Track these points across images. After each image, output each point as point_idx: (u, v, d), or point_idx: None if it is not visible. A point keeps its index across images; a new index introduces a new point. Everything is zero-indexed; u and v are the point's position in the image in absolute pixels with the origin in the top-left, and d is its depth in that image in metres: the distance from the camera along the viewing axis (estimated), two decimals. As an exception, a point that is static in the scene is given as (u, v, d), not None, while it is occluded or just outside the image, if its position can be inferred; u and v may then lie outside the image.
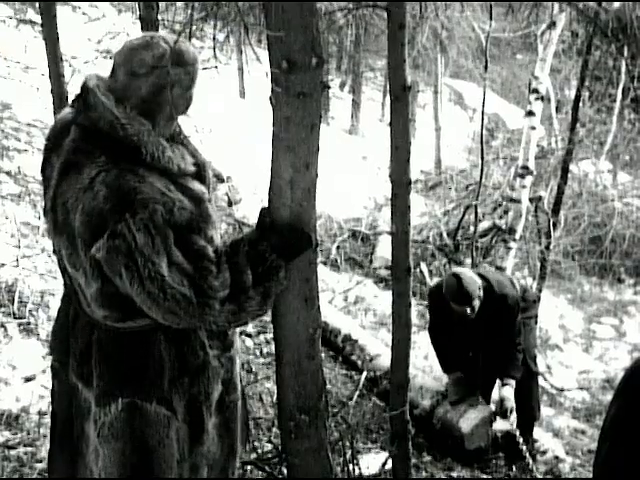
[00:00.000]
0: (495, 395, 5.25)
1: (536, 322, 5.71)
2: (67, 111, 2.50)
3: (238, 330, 2.78)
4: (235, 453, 2.77)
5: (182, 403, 2.49)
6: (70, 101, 2.48)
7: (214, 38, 2.44)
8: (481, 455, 4.96)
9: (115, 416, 2.42)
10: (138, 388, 2.43)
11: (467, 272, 4.83)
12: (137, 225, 2.19)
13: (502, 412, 4.96)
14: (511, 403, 4.97)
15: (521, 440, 4.84)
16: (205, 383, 2.54)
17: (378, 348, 5.95)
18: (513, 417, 4.99)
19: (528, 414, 5.28)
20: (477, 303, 4.76)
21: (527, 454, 4.75)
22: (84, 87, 2.40)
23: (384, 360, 5.52)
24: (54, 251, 2.53)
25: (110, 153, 2.28)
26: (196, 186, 2.45)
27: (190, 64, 2.41)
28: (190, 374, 2.50)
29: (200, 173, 2.53)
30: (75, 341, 2.51)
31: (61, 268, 2.51)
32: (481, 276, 4.96)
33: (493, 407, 5.10)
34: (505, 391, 5.00)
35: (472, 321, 4.88)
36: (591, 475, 4.39)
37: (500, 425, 5.03)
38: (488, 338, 5.02)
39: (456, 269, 5.02)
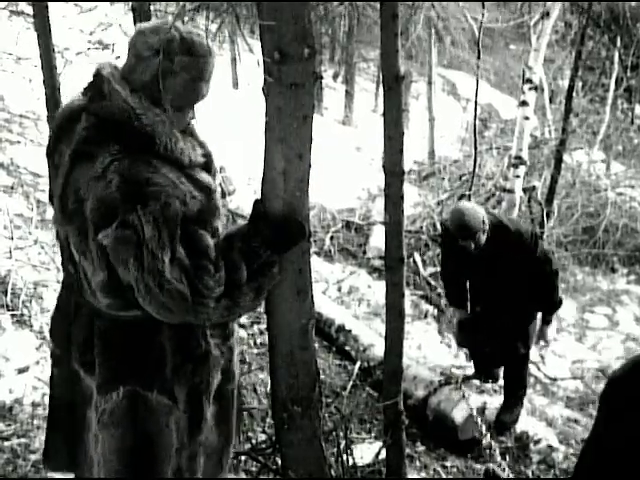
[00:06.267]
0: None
1: None
2: (76, 98, 2.48)
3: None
4: (230, 441, 2.79)
5: (183, 392, 2.51)
6: (82, 89, 2.45)
7: (206, 29, 2.41)
8: (474, 445, 4.97)
9: (116, 404, 2.44)
10: (139, 377, 2.45)
11: (471, 206, 4.83)
12: (147, 217, 2.18)
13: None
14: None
15: (493, 443, 4.85)
16: (206, 372, 2.55)
17: (371, 338, 5.95)
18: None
19: (517, 383, 5.40)
20: (482, 237, 4.77)
21: (499, 457, 4.76)
22: (98, 75, 2.39)
23: (377, 350, 5.53)
24: (57, 238, 2.53)
25: (123, 143, 2.27)
26: (204, 177, 2.46)
27: (201, 55, 2.38)
28: (192, 363, 2.51)
29: (207, 164, 2.52)
30: (77, 330, 2.52)
31: (65, 257, 2.51)
32: (493, 216, 5.00)
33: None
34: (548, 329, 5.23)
35: (486, 258, 4.91)
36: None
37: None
38: (508, 276, 5.02)
39: (461, 203, 4.98)
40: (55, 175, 2.41)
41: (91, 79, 2.42)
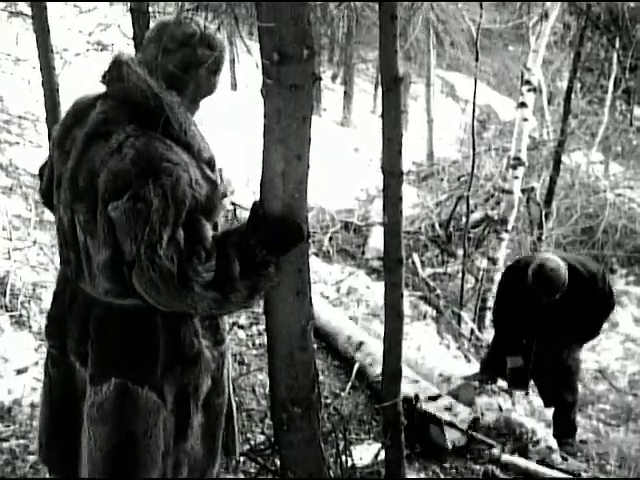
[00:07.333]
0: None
1: None
2: (89, 93, 2.54)
3: (227, 328, 2.77)
4: (214, 460, 2.75)
5: (172, 392, 2.49)
6: (101, 74, 2.50)
7: (205, 29, 2.43)
8: (466, 446, 4.91)
9: (106, 396, 2.41)
10: (131, 370, 2.43)
11: (556, 265, 4.84)
12: (157, 190, 2.20)
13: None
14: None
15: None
16: (196, 374, 2.53)
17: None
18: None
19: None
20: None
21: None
22: (117, 61, 2.44)
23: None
24: (59, 229, 2.52)
25: (140, 122, 2.32)
26: (209, 172, 2.47)
27: (218, 49, 2.50)
28: (183, 363, 2.49)
29: (211, 163, 2.53)
30: (73, 321, 2.51)
31: (66, 243, 2.49)
32: (563, 259, 5.02)
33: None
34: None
35: (556, 305, 4.97)
36: (583, 464, 4.38)
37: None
38: (574, 316, 5.11)
39: (543, 258, 4.95)
40: (65, 159, 2.42)
41: (108, 67, 2.47)
